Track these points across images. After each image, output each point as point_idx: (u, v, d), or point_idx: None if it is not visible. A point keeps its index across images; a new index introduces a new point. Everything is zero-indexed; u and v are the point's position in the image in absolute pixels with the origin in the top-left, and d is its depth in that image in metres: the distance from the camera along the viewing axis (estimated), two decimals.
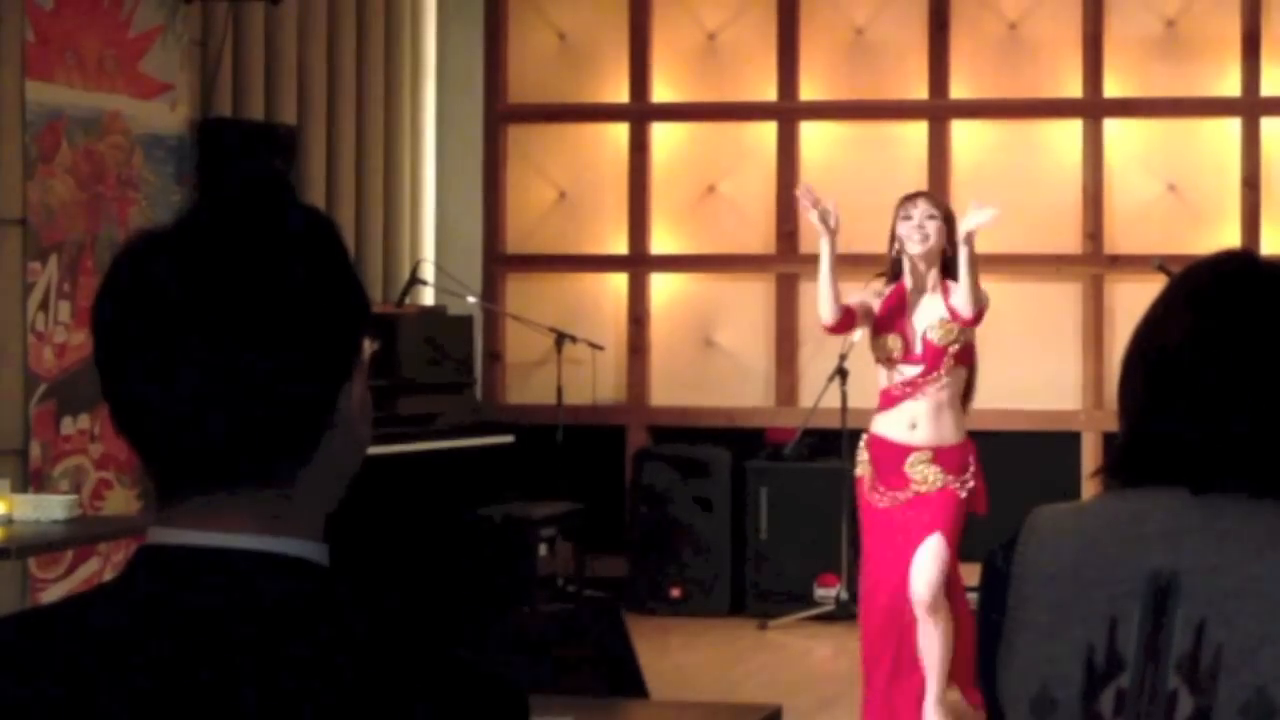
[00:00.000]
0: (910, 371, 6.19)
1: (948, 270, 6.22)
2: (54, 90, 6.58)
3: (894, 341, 6.21)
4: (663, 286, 9.41)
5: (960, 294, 6.12)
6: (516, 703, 1.45)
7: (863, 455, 6.30)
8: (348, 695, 1.39)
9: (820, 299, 6.19)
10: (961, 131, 9.18)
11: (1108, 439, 8.87)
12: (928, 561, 6.08)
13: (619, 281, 9.43)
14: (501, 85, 9.48)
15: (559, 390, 8.82)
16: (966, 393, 6.33)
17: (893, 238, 6.27)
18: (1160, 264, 8.21)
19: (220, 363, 1.41)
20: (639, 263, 9.39)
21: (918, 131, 9.17)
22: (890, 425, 6.23)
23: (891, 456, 6.19)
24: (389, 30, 9.01)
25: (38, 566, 6.35)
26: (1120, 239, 9.02)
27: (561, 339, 8.85)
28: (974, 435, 9.45)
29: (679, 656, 7.78)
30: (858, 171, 9.14)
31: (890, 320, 6.22)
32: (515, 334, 9.38)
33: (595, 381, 9.18)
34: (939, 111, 9.15)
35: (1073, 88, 9.06)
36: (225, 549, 1.43)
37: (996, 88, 9.13)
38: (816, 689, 7.22)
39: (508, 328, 9.41)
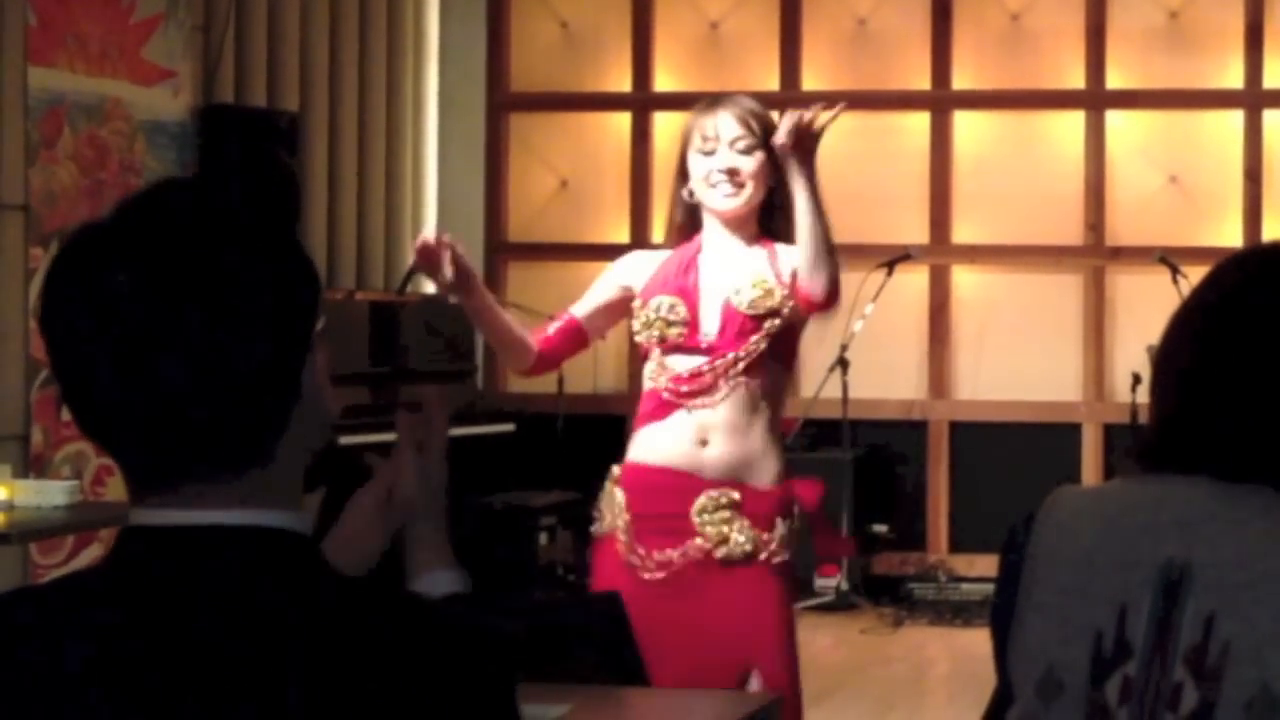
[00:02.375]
0: (693, 360, 3.73)
1: (770, 224, 3.81)
2: (56, 76, 6.58)
3: (673, 308, 3.74)
4: None
5: (803, 256, 3.65)
6: (502, 653, 1.46)
7: (614, 498, 3.80)
8: (340, 657, 1.40)
9: (500, 351, 4.07)
10: (964, 122, 9.18)
11: (1108, 431, 8.88)
12: None
13: None
14: (504, 73, 9.48)
15: (560, 379, 8.81)
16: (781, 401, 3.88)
17: (682, 171, 3.84)
18: (1162, 256, 8.22)
19: (181, 353, 1.40)
20: None
21: (920, 122, 9.16)
22: (661, 445, 3.74)
23: (664, 495, 3.71)
24: (392, 18, 9.00)
25: (39, 552, 6.35)
26: (1122, 231, 9.02)
27: None
28: (973, 427, 9.52)
29: None
30: (859, 162, 9.13)
31: (669, 282, 3.78)
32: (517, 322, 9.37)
33: (596, 370, 9.17)
34: (941, 102, 9.15)
35: (1075, 79, 9.06)
36: (208, 525, 1.44)
37: (999, 79, 9.13)
38: (816, 679, 7.22)
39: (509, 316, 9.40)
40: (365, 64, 8.77)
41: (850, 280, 7.30)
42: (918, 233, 9.06)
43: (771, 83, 9.27)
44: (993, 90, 9.13)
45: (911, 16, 9.19)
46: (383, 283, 8.83)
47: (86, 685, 1.40)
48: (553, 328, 3.95)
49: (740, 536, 3.71)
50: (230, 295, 1.42)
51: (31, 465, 6.32)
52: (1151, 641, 1.69)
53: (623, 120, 9.40)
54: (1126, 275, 8.95)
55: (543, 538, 8.45)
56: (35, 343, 6.41)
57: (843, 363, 8.48)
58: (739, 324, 3.74)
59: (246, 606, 1.41)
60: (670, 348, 3.76)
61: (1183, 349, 1.80)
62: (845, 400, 8.52)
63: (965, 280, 9.17)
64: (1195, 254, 8.13)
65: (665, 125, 9.40)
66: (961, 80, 9.16)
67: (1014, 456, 8.97)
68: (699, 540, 3.70)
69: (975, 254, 9.14)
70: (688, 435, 3.72)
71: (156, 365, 1.40)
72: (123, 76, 6.91)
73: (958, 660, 7.67)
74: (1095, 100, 9.03)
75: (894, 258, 8.63)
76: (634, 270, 3.88)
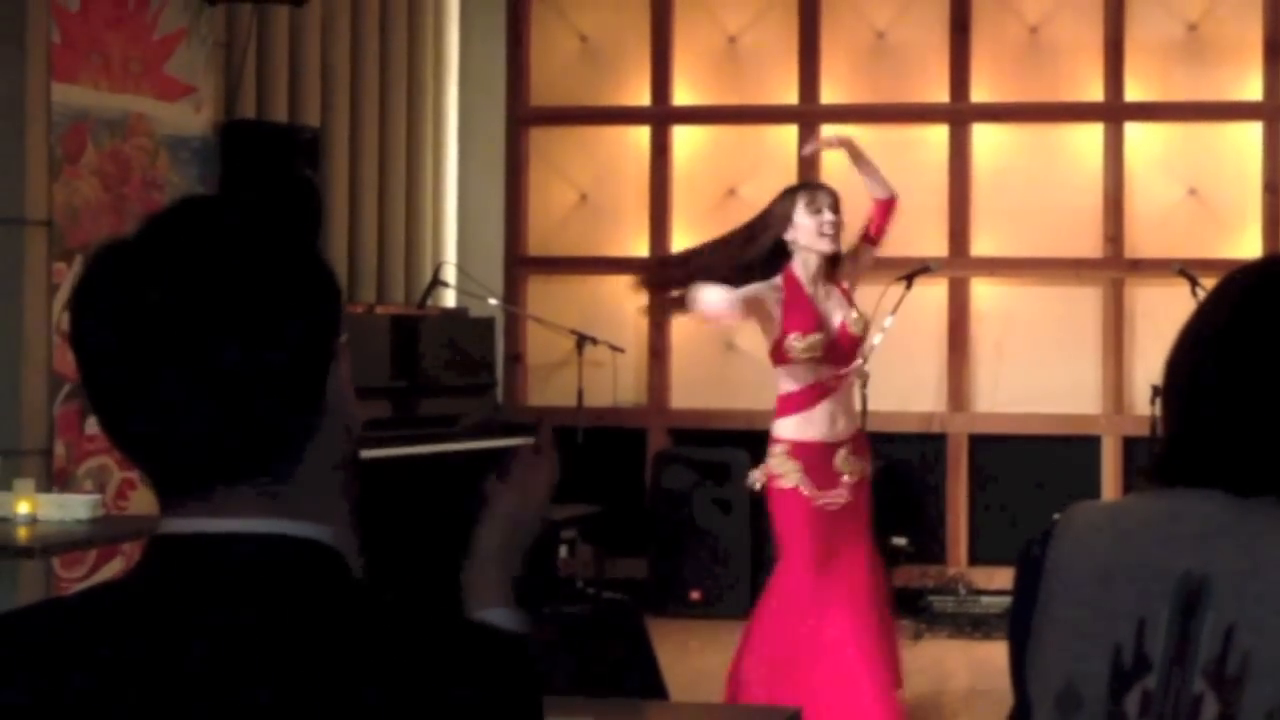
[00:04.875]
0: (832, 367, 5.95)
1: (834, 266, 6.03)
2: (79, 92, 6.61)
3: (816, 339, 5.91)
4: None
5: (875, 182, 6.15)
6: (529, 664, 1.47)
7: (789, 465, 5.95)
8: (368, 667, 1.41)
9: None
10: (982, 135, 9.19)
11: (1127, 443, 8.88)
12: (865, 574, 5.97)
13: None
14: (523, 88, 9.51)
15: (580, 392, 8.84)
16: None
17: (785, 222, 5.95)
18: (1181, 268, 8.22)
19: (208, 367, 1.42)
20: None
21: (938, 135, 9.17)
22: (815, 425, 5.95)
23: (823, 457, 5.94)
24: (412, 33, 9.03)
25: (62, 566, 6.37)
26: (1141, 243, 9.02)
27: (582, 341, 8.87)
28: (992, 440, 9.50)
29: (698, 659, 7.79)
30: None
31: (800, 317, 5.92)
32: (536, 336, 9.40)
33: (616, 384, 9.19)
34: (960, 115, 9.16)
35: (1094, 91, 9.06)
36: (236, 534, 1.45)
37: (1017, 91, 9.14)
38: None
39: (529, 330, 9.42)
40: (386, 79, 8.80)
41: (869, 293, 7.34)
42: (936, 245, 9.06)
43: (790, 96, 9.29)
44: (1011, 103, 9.14)
45: (930, 29, 9.20)
46: (403, 296, 8.85)
47: (116, 695, 1.42)
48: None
49: (857, 467, 5.99)
50: (255, 309, 1.43)
51: (54, 479, 6.34)
52: (1171, 654, 1.69)
53: (642, 134, 9.42)
54: (1146, 288, 8.95)
55: (563, 550, 8.46)
56: (58, 357, 6.44)
57: (861, 376, 8.47)
58: (854, 340, 5.97)
59: (274, 615, 1.43)
60: (818, 361, 5.91)
61: (1191, 362, 1.79)
62: (864, 413, 8.49)
63: (984, 293, 9.17)
64: (1214, 266, 8.10)
65: (684, 139, 9.42)
66: (980, 93, 9.16)
67: (1033, 469, 8.96)
68: (843, 478, 5.95)
69: (994, 266, 9.14)
70: (828, 418, 5.94)
71: (184, 379, 1.42)
72: (145, 92, 6.95)
73: (977, 673, 7.66)
74: (1114, 113, 9.03)
75: (913, 270, 8.60)
76: (770, 291, 5.92)
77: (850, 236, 6.08)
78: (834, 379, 5.95)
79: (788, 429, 5.96)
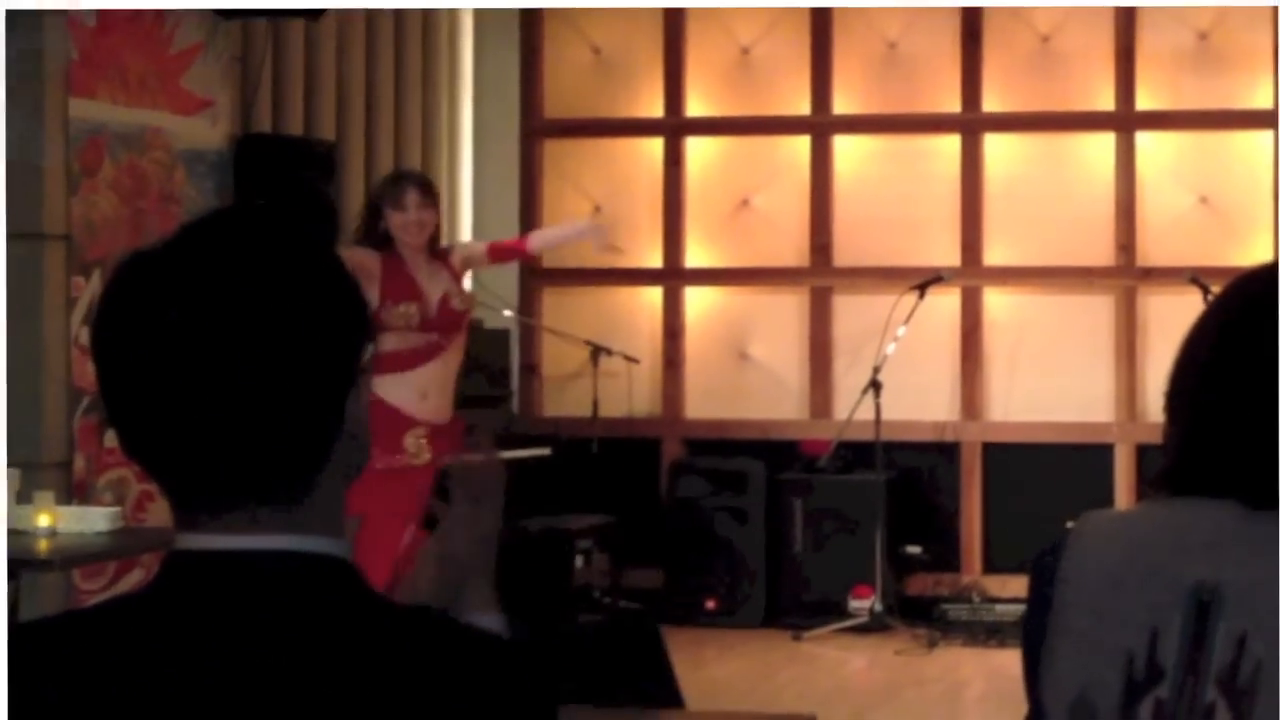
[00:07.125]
0: (425, 338, 6.25)
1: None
2: (97, 106, 6.65)
3: (409, 308, 6.23)
4: (697, 300, 9.45)
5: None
6: (545, 675, 1.48)
7: None
8: (387, 681, 1.42)
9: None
10: (994, 144, 9.21)
11: (1140, 451, 8.88)
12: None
13: (654, 295, 9.47)
14: (537, 100, 9.54)
15: (595, 403, 8.86)
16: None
17: (379, 214, 6.30)
18: (1193, 276, 8.24)
19: (231, 384, 1.42)
20: (674, 276, 9.43)
21: (950, 145, 9.19)
22: (401, 391, 6.17)
23: (393, 424, 6.11)
24: (426, 46, 9.06)
25: (81, 578, 6.40)
26: (1152, 251, 9.03)
27: (597, 352, 8.89)
28: (1005, 448, 9.51)
29: (713, 668, 7.81)
30: (891, 185, 9.17)
31: (401, 288, 6.25)
32: (551, 347, 9.42)
33: (631, 394, 9.21)
34: (971, 125, 9.18)
35: (1105, 100, 9.07)
36: (253, 550, 1.45)
37: (1029, 100, 9.16)
38: (850, 700, 7.25)
39: (544, 341, 9.45)
40: (400, 92, 8.82)
41: (883, 303, 7.38)
42: (949, 255, 9.08)
43: (803, 106, 9.31)
44: (1023, 112, 9.15)
45: (941, 39, 9.22)
46: None
47: (132, 708, 1.43)
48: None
49: (426, 453, 6.21)
50: (279, 327, 1.44)
51: (74, 491, 6.37)
52: (1183, 663, 1.69)
53: (655, 146, 9.44)
54: (1158, 296, 8.96)
55: (578, 561, 8.48)
56: (78, 371, 6.47)
57: (875, 385, 8.50)
58: (456, 316, 6.33)
59: (293, 631, 1.43)
60: (411, 330, 6.22)
61: (1199, 369, 1.79)
62: (878, 422, 8.54)
63: (997, 302, 9.19)
64: (1226, 274, 8.04)
65: (697, 150, 9.44)
66: (991, 103, 9.18)
67: (1046, 478, 8.97)
68: (406, 455, 6.18)
69: (1007, 276, 9.16)
70: (416, 389, 6.23)
71: (207, 396, 1.42)
72: (162, 106, 6.98)
73: (992, 681, 7.68)
74: (1125, 121, 9.05)
75: (926, 280, 8.66)
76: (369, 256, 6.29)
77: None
78: (429, 347, 6.22)
79: (379, 387, 5.95)
